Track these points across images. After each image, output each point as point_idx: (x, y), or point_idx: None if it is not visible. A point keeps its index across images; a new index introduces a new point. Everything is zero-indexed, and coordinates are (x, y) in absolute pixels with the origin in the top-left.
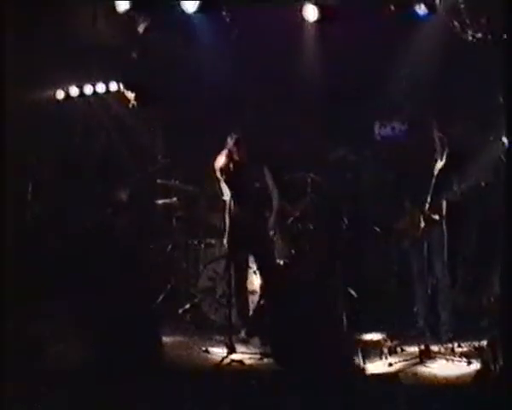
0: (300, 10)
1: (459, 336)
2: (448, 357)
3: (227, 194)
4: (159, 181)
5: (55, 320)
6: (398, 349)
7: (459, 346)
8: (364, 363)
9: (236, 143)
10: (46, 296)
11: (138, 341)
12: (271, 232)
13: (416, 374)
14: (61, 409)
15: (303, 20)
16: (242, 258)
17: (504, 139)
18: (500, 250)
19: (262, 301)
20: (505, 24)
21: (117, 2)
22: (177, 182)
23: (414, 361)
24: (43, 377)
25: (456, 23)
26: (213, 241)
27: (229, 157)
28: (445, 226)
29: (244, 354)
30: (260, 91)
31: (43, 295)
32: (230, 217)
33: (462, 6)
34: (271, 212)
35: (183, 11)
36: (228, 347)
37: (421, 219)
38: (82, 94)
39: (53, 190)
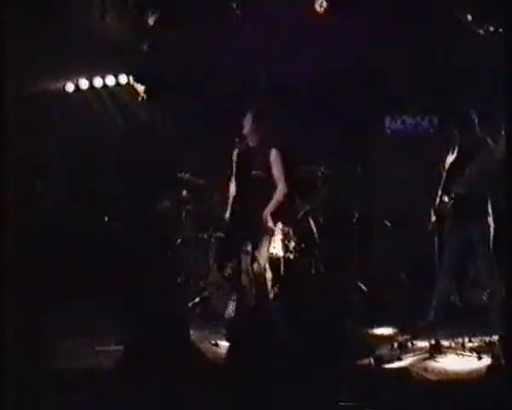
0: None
1: (470, 331)
2: (458, 352)
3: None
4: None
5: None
6: (409, 344)
7: (470, 341)
8: (375, 357)
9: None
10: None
11: (159, 335)
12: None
13: (426, 369)
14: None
15: (314, 11)
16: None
17: None
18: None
19: (272, 296)
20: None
21: None
22: (187, 175)
23: (424, 356)
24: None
25: (468, 17)
26: (224, 235)
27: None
28: (456, 221)
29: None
30: (271, 84)
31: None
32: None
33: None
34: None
35: (194, 3)
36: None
37: (433, 214)
38: (92, 86)
39: (63, 182)
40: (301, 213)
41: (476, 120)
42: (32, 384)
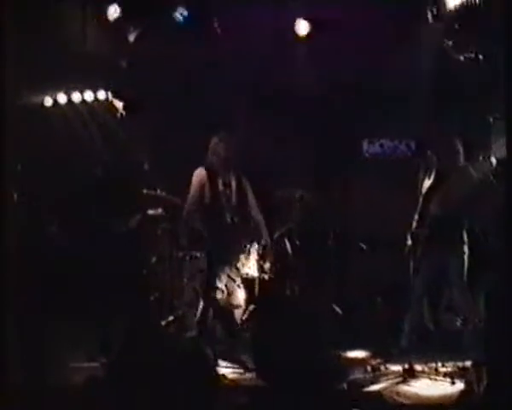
0: (292, 24)
1: (443, 356)
2: (432, 377)
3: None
4: (145, 191)
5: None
6: (382, 368)
7: (443, 366)
8: (348, 381)
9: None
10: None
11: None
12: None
13: (399, 393)
14: None
15: (294, 34)
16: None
17: (493, 159)
18: (487, 270)
19: (246, 316)
20: (498, 45)
21: (108, 10)
22: (163, 193)
23: (397, 380)
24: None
25: (449, 42)
26: (199, 254)
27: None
28: (431, 245)
29: (227, 369)
30: (249, 105)
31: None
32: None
33: (456, 26)
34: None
35: (174, 20)
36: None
37: (408, 237)
38: (70, 101)
39: (38, 198)
40: (277, 234)
41: (457, 146)
42: (6, 402)
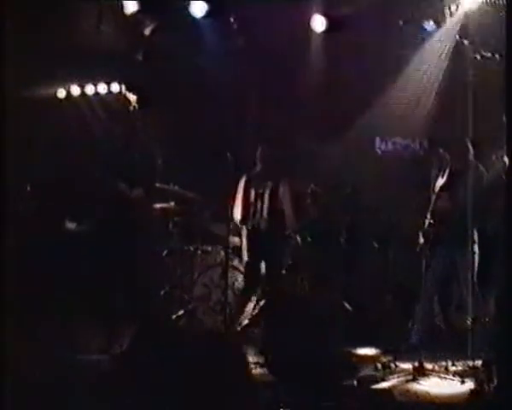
0: (308, 20)
1: (454, 355)
2: (442, 375)
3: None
4: (157, 185)
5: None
6: (392, 365)
7: (453, 365)
8: (358, 378)
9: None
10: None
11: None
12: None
13: (408, 391)
14: None
15: (310, 30)
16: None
17: (505, 159)
18: (497, 270)
19: (256, 311)
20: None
21: (125, 4)
22: (176, 187)
23: (407, 378)
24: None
25: (463, 40)
26: (210, 248)
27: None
28: (442, 243)
29: None
30: (263, 99)
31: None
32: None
33: (470, 25)
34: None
35: (190, 15)
36: None
37: (421, 236)
38: (83, 94)
39: (51, 190)
40: (289, 230)
41: (469, 146)
42: (13, 395)
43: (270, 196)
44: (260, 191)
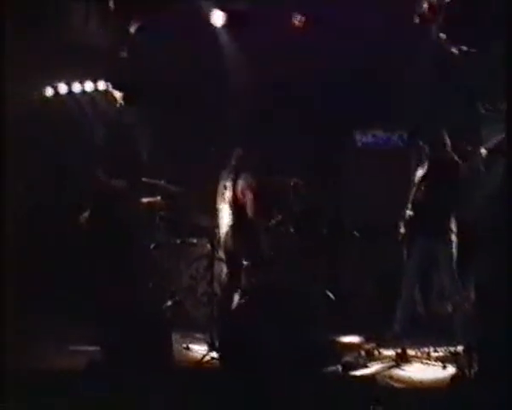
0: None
1: (435, 341)
2: (424, 361)
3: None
4: (144, 179)
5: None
6: (376, 352)
7: (435, 351)
8: (342, 364)
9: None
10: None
11: (125, 338)
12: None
13: (392, 377)
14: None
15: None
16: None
17: (483, 149)
18: (476, 258)
19: (241, 302)
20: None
21: (110, 2)
22: (162, 181)
23: (390, 364)
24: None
25: (442, 35)
26: (196, 240)
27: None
28: (422, 233)
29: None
30: (245, 93)
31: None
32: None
33: (447, 19)
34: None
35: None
36: (209, 344)
37: (402, 226)
38: (70, 92)
39: (39, 187)
40: (272, 222)
41: (446, 137)
42: (4, 385)
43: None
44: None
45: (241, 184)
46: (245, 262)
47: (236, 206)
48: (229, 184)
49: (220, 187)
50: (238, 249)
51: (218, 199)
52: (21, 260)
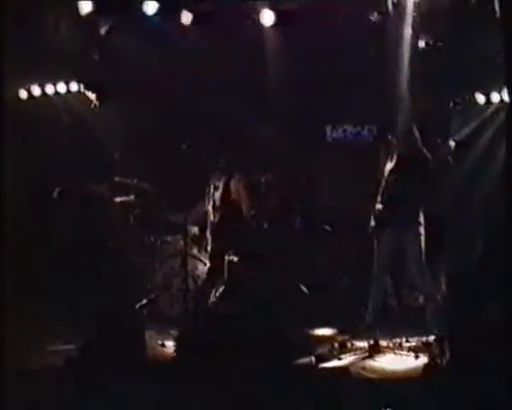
0: (257, 14)
1: (407, 332)
2: (396, 351)
3: None
4: (117, 179)
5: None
6: (349, 344)
7: (407, 341)
8: (315, 356)
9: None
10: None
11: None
12: None
13: (365, 368)
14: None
15: (259, 24)
16: None
17: (451, 142)
18: (445, 250)
19: (216, 297)
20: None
21: (80, 5)
22: (135, 181)
23: (363, 355)
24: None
25: (409, 30)
26: (169, 238)
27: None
28: (392, 226)
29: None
30: (216, 92)
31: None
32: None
33: (415, 14)
34: None
35: (144, 13)
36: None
37: (372, 219)
38: (44, 94)
39: (15, 189)
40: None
41: (416, 131)
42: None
43: (224, 188)
44: (217, 184)
45: (235, 183)
46: (233, 257)
47: (227, 204)
48: (220, 183)
49: (209, 187)
50: (225, 245)
51: (205, 198)
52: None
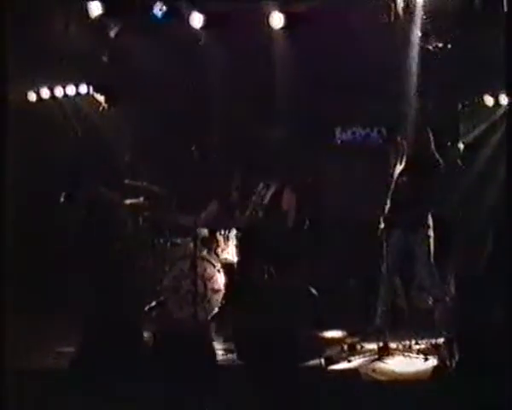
0: (267, 17)
1: (417, 334)
2: (406, 354)
3: None
4: (126, 181)
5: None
6: (358, 346)
7: (417, 343)
8: (324, 359)
9: None
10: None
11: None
12: None
13: (374, 370)
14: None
15: (268, 26)
16: None
17: (460, 144)
18: (454, 252)
19: (225, 299)
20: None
21: (90, 7)
22: (144, 183)
23: (373, 358)
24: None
25: (419, 32)
26: (179, 240)
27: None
28: (401, 228)
29: None
30: (226, 94)
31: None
32: None
33: (424, 16)
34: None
35: (153, 16)
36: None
37: (381, 221)
38: (53, 96)
39: (22, 191)
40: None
41: (426, 133)
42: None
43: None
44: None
45: (286, 196)
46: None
47: (274, 213)
48: (268, 193)
49: (255, 196)
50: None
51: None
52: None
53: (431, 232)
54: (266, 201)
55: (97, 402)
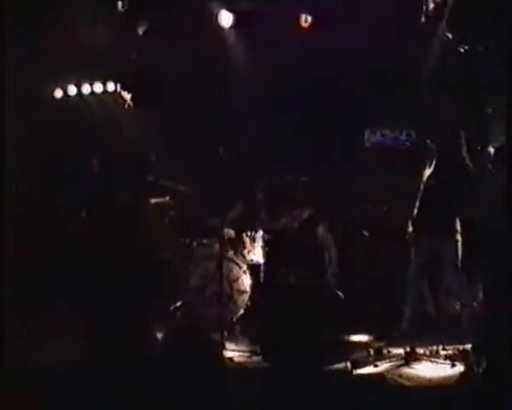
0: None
1: (444, 340)
2: (433, 359)
3: None
4: (152, 180)
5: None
6: (385, 351)
7: (444, 349)
8: (351, 363)
9: None
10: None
11: (132, 338)
12: None
13: (401, 375)
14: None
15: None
16: None
17: (491, 149)
18: (482, 258)
19: (251, 301)
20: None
21: (118, 4)
22: (170, 182)
23: (399, 363)
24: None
25: (449, 34)
26: (205, 241)
27: None
28: (430, 232)
29: (234, 352)
30: (253, 95)
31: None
32: None
33: (454, 18)
34: None
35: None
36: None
37: (410, 224)
38: (80, 93)
39: (49, 188)
40: (282, 221)
41: (458, 137)
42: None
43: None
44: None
45: (321, 233)
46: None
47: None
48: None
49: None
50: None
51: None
52: (23, 260)
53: (459, 236)
54: (296, 224)
55: (95, 402)
